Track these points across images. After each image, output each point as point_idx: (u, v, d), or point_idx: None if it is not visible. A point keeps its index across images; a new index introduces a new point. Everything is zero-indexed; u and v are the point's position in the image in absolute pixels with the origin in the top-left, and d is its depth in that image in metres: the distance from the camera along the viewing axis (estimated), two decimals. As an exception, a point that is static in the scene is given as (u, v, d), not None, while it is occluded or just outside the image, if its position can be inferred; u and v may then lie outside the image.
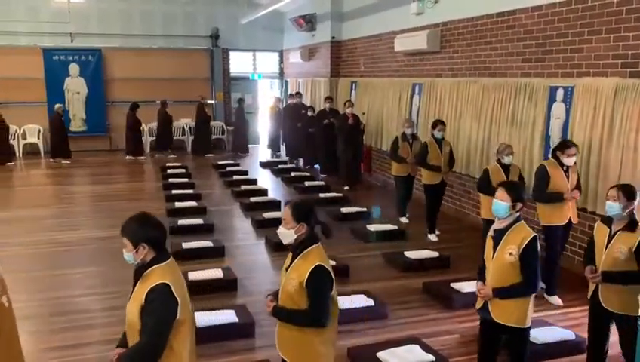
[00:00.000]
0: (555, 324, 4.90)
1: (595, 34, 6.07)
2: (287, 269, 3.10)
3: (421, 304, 5.57)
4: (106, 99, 15.73)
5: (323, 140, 11.94)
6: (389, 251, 6.93)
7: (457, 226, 8.34)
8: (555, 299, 5.54)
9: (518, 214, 3.51)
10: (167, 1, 15.82)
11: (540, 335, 4.52)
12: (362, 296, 5.39)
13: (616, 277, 3.70)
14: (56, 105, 14.35)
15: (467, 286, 5.56)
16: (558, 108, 6.59)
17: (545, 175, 5.44)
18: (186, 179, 11.42)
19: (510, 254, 3.43)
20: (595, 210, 6.08)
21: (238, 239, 7.76)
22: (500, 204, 3.49)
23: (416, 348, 4.37)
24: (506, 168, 6.08)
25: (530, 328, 3.58)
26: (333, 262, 6.27)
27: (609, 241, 3.75)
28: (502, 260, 3.47)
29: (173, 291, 2.63)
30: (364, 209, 8.85)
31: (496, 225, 3.57)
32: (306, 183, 10.94)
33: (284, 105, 15.04)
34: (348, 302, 5.22)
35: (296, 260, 3.05)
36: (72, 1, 14.94)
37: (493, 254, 3.53)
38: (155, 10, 15.88)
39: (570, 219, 5.51)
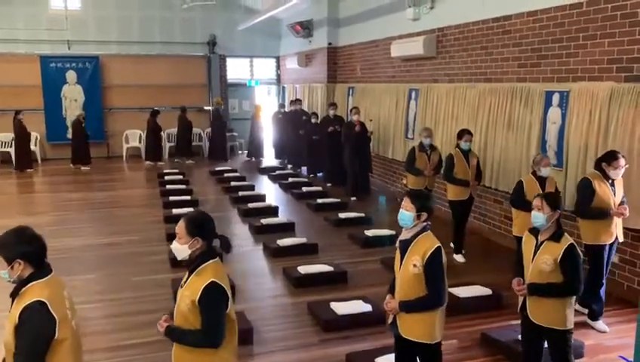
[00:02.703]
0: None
1: (590, 39, 6.10)
2: (182, 286, 2.92)
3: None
4: (103, 106, 15.73)
5: (328, 148, 11.55)
6: (387, 256, 6.93)
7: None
8: (600, 325, 5.08)
9: (424, 224, 3.35)
10: (164, 8, 15.85)
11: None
12: (360, 301, 5.40)
13: (541, 289, 3.60)
14: (78, 112, 14.50)
15: (465, 292, 5.59)
16: (554, 113, 6.62)
17: (589, 189, 4.95)
18: (183, 186, 11.42)
19: (414, 266, 3.27)
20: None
21: (236, 245, 7.74)
22: (404, 214, 3.34)
23: (415, 353, 4.37)
24: (542, 180, 5.59)
25: (440, 343, 3.42)
26: (322, 268, 6.35)
27: (535, 252, 3.66)
28: (407, 272, 3.31)
29: (50, 309, 2.50)
30: (363, 214, 8.86)
31: (402, 236, 3.43)
32: (304, 189, 10.96)
33: (275, 112, 15.13)
34: (346, 307, 5.24)
35: (190, 277, 2.86)
36: (69, 8, 14.99)
37: (400, 266, 3.39)
38: (152, 17, 15.91)
39: (616, 237, 5.06)
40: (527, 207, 5.52)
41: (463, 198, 6.90)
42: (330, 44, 13.46)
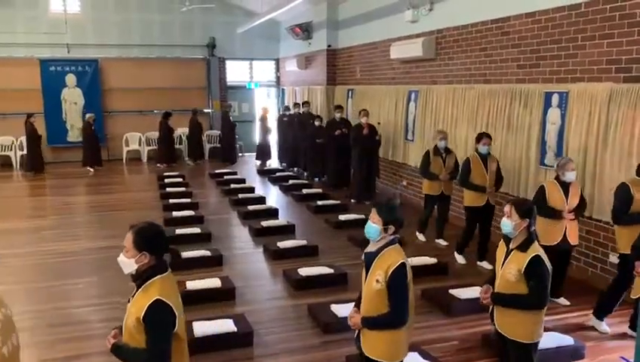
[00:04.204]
0: (555, 330, 4.90)
1: (589, 40, 6.11)
2: (129, 301, 2.75)
3: (420, 311, 5.52)
4: (103, 110, 15.73)
5: (335, 151, 11.35)
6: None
7: (458, 233, 8.33)
8: (603, 326, 5.05)
9: (392, 237, 3.19)
10: (163, 11, 15.87)
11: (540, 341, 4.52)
12: (361, 303, 5.39)
13: (503, 300, 3.52)
14: (87, 115, 14.56)
15: (466, 293, 5.59)
16: (554, 114, 6.63)
17: (627, 195, 4.76)
18: (183, 189, 11.43)
19: (377, 281, 3.12)
20: (590, 215, 6.10)
21: (236, 248, 7.76)
22: (370, 226, 3.20)
23: (415, 355, 4.36)
24: (566, 186, 5.31)
25: None
26: (322, 270, 6.35)
27: (505, 261, 3.56)
28: (370, 287, 3.17)
29: None
30: (363, 216, 8.84)
31: (367, 248, 3.29)
32: (304, 191, 10.96)
33: (279, 115, 15.09)
34: (346, 309, 5.21)
35: (137, 293, 2.70)
36: (68, 12, 15.01)
37: (365, 279, 3.26)
38: (151, 20, 15.92)
39: None
40: (548, 213, 5.26)
41: (479, 205, 6.66)
42: (329, 46, 13.47)
